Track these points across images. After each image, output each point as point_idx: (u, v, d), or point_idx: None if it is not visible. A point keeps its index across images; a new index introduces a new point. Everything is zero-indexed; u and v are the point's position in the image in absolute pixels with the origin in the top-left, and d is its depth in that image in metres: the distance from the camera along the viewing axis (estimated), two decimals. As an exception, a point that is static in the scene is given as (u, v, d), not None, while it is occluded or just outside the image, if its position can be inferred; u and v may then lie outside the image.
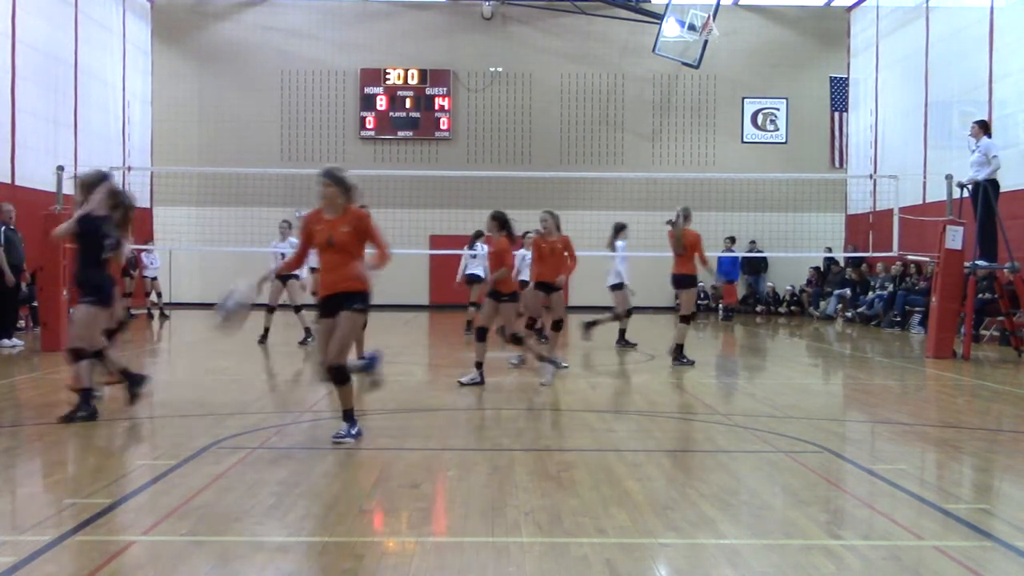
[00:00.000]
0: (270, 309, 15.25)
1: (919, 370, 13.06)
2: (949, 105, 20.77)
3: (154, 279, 21.83)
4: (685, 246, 12.78)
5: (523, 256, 15.02)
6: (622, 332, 15.44)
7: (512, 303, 10.86)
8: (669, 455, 6.98)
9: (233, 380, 11.34)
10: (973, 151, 14.50)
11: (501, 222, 10.71)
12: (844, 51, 26.88)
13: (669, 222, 13.12)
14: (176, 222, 23.96)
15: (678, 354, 13.02)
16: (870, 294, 22.40)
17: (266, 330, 15.22)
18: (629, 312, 15.50)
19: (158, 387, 10.24)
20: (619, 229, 15.18)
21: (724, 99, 27.22)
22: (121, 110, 24.22)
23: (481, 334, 10.83)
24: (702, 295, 26.92)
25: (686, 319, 13.23)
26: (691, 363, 12.84)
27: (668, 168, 26.69)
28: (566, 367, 12.06)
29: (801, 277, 26.29)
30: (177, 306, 22.24)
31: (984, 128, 14.62)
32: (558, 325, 12.20)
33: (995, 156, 14.23)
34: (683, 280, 13.03)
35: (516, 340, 10.97)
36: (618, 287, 15.28)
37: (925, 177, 20.89)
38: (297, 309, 15.37)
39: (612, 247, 15.11)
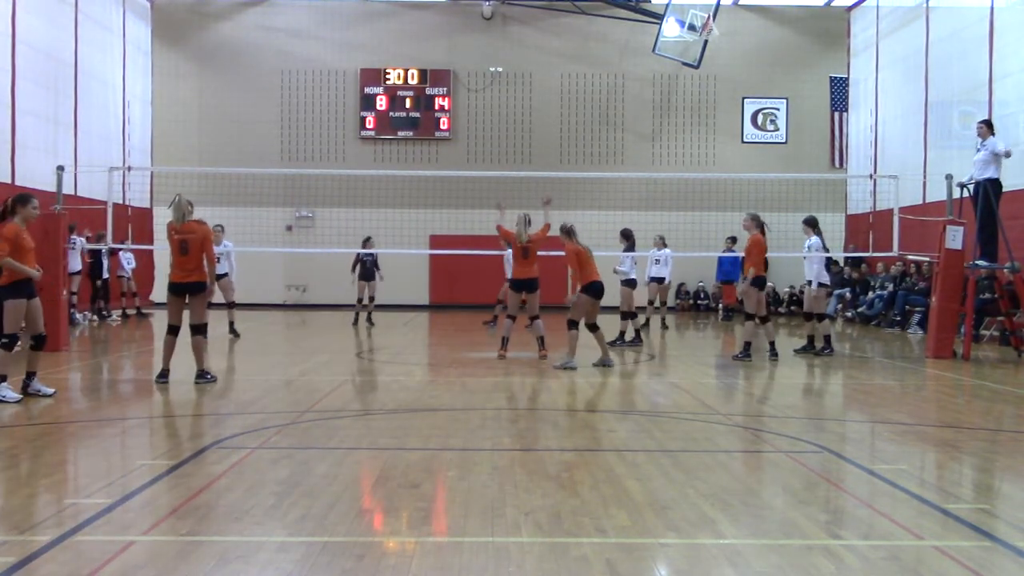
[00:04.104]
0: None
1: (919, 370, 13.05)
2: (949, 105, 20.76)
3: (128, 279, 21.64)
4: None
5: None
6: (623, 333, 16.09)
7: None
8: (669, 455, 6.97)
9: (233, 380, 11.34)
10: (979, 150, 14.47)
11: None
12: (844, 51, 26.87)
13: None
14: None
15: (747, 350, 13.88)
16: (870, 294, 22.39)
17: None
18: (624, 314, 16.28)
19: (158, 387, 10.24)
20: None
21: (724, 99, 27.22)
22: (121, 110, 24.22)
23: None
24: (702, 295, 26.96)
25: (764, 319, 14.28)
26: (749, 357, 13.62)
27: (668, 168, 26.69)
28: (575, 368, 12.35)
29: (801, 277, 26.16)
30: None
31: (990, 127, 14.60)
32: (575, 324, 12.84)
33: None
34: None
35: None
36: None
37: (925, 177, 20.88)
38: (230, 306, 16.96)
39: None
